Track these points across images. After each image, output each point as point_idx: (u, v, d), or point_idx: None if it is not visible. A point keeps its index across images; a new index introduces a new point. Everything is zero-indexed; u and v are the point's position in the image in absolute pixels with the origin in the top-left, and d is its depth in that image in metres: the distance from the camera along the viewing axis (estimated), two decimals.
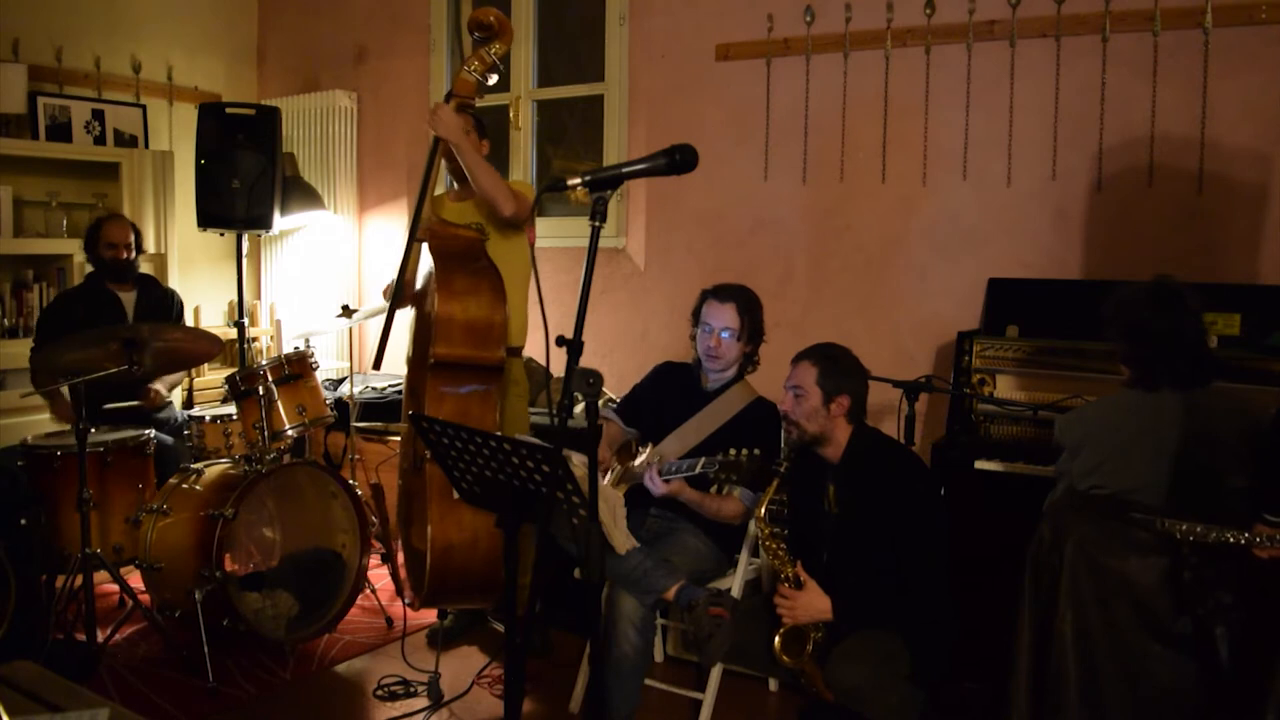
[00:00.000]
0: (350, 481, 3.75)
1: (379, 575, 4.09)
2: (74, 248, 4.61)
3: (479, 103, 3.38)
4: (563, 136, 4.98)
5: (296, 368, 3.76)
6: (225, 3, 5.68)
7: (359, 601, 3.71)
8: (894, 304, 3.92)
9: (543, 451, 1.88)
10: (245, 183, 4.57)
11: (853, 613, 2.56)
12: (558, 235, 4.76)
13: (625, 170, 1.91)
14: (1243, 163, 3.30)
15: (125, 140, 5.10)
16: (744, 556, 3.03)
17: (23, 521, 3.25)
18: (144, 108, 5.21)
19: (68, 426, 3.85)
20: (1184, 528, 2.10)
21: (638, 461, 3.02)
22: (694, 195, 4.33)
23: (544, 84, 4.92)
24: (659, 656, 3.45)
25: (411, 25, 5.23)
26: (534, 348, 3.75)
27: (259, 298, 5.59)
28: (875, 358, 2.97)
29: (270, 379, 3.67)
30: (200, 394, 5.07)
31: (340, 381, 4.87)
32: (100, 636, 3.39)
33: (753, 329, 3.12)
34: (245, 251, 4.94)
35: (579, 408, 3.53)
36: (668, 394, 3.23)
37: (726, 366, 3.14)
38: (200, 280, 5.45)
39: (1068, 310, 3.22)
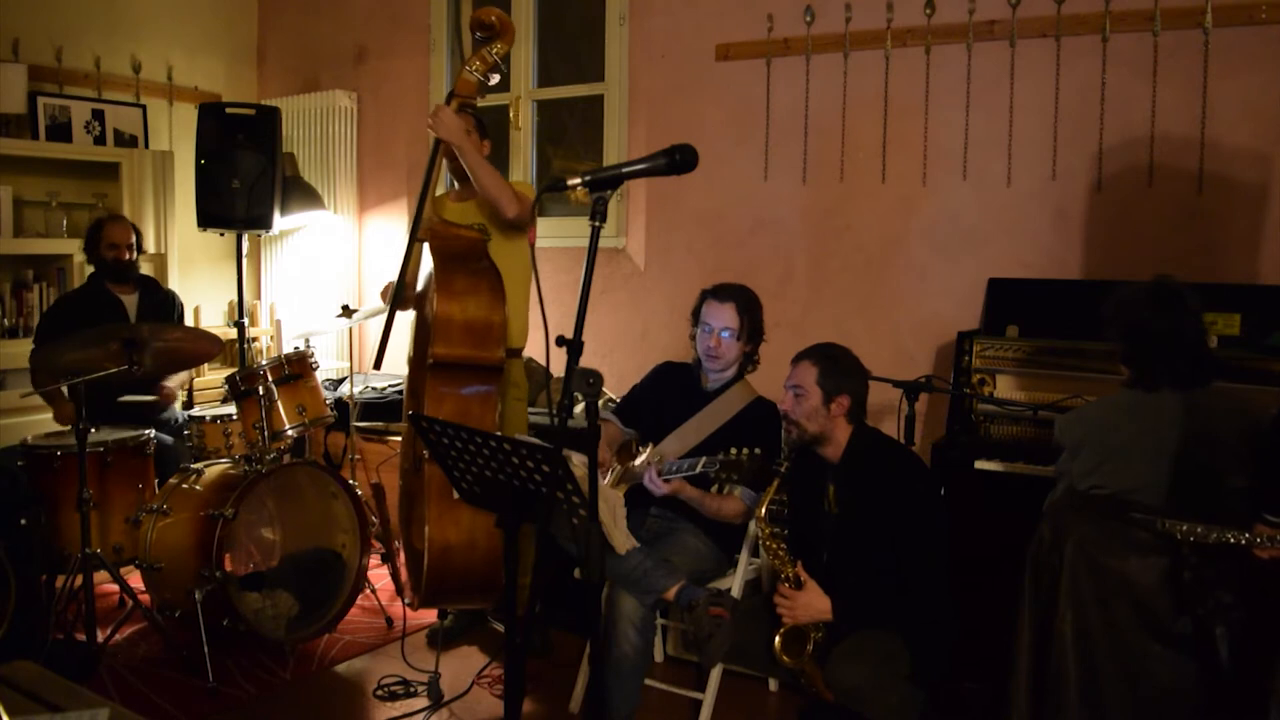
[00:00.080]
0: (350, 481, 3.75)
1: (379, 575, 4.09)
2: (74, 248, 4.61)
3: (480, 102, 3.38)
4: (563, 136, 4.98)
5: (296, 368, 3.76)
6: (225, 3, 5.68)
7: (359, 601, 3.71)
8: (894, 304, 3.92)
9: (543, 451, 1.88)
10: (245, 183, 4.57)
11: (853, 613, 2.56)
12: (558, 235, 4.76)
13: (625, 170, 1.91)
14: (1243, 163, 3.30)
15: (125, 140, 5.11)
16: (744, 556, 3.03)
17: (23, 521, 3.25)
18: (144, 108, 5.21)
19: (69, 428, 3.86)
20: (1184, 528, 2.10)
21: (638, 461, 3.01)
22: (694, 195, 4.33)
23: (544, 84, 4.92)
24: (659, 656, 3.45)
25: (411, 25, 5.23)
26: (534, 348, 3.75)
27: (259, 298, 5.59)
28: (875, 358, 2.97)
29: (270, 379, 3.67)
30: (200, 394, 5.06)
31: (340, 381, 4.87)
32: (100, 636, 3.39)
33: (752, 329, 3.12)
34: (245, 251, 4.94)
35: (579, 408, 3.53)
36: (668, 394, 3.23)
37: (726, 366, 3.14)
38: (200, 280, 5.45)
39: (1068, 310, 3.22)
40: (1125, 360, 2.48)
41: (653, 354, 4.14)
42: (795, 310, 4.09)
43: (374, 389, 4.69)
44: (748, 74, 4.17)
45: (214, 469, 3.59)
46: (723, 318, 3.08)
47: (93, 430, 3.41)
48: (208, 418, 4.01)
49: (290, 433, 3.72)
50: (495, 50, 3.25)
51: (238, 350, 4.88)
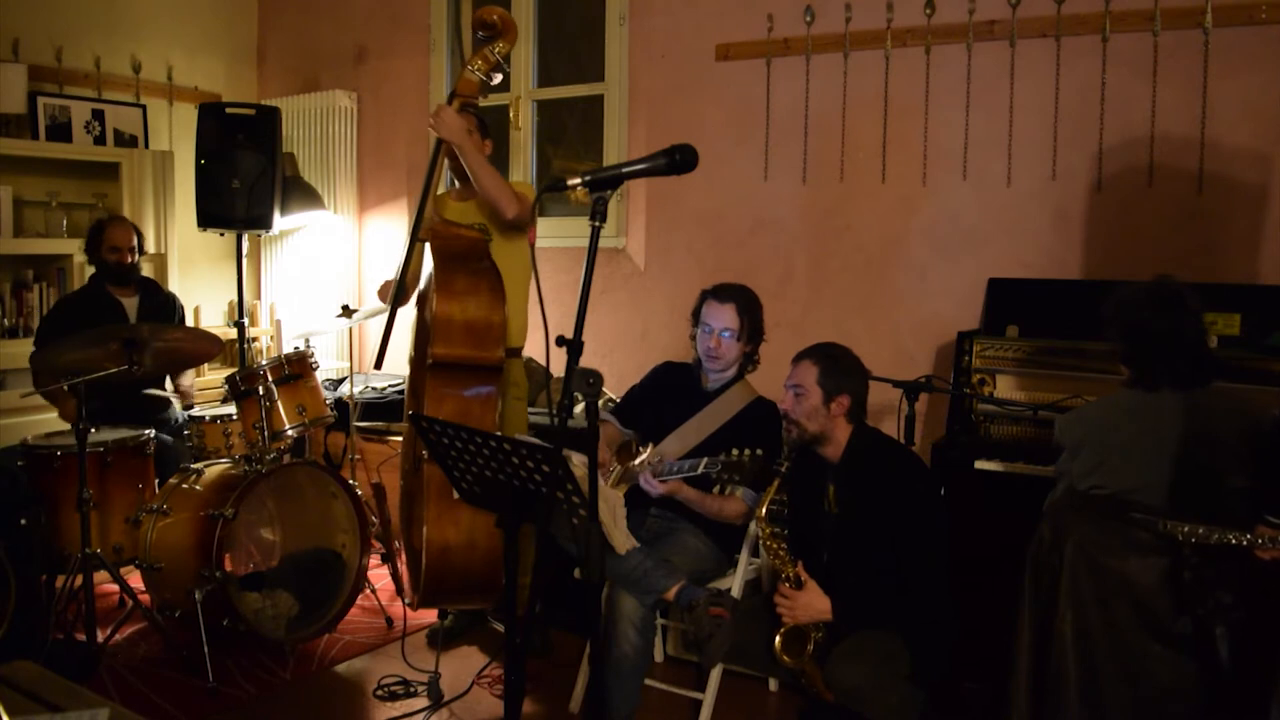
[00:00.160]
0: (350, 481, 3.75)
1: (379, 575, 4.09)
2: (74, 248, 4.61)
3: (480, 102, 3.38)
4: (563, 136, 4.98)
5: (296, 368, 3.76)
6: (225, 3, 5.68)
7: (359, 601, 3.71)
8: (894, 304, 3.92)
9: (543, 451, 1.88)
10: (245, 183, 4.57)
11: (853, 613, 2.56)
12: (558, 235, 4.76)
13: (625, 170, 1.91)
14: (1243, 163, 3.30)
15: (125, 140, 5.11)
16: (744, 556, 3.03)
17: (23, 521, 3.25)
18: (144, 108, 5.21)
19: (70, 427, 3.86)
20: (1186, 530, 2.10)
21: (638, 461, 3.02)
22: (694, 195, 4.33)
23: (544, 84, 4.92)
24: (659, 656, 3.45)
25: (411, 25, 5.23)
26: (534, 348, 3.75)
27: (259, 298, 5.59)
28: (875, 358, 2.97)
29: (270, 379, 3.67)
30: (200, 394, 5.06)
31: (340, 381, 4.87)
32: (100, 636, 3.39)
33: (753, 329, 3.12)
34: (245, 251, 4.94)
35: (579, 408, 3.53)
36: (668, 394, 3.23)
37: (726, 366, 3.14)
38: (200, 280, 5.45)
39: (1068, 310, 3.22)
40: (1125, 360, 2.48)
41: (653, 354, 4.15)
42: (795, 310, 4.09)
43: (374, 389, 4.70)
44: (748, 74, 4.17)
45: (214, 469, 3.59)
46: (723, 318, 3.08)
47: (93, 430, 3.41)
48: (208, 418, 4.01)
49: (290, 433, 3.72)
50: (497, 50, 3.25)
51: (238, 350, 4.88)
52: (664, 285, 4.46)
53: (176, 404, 4.39)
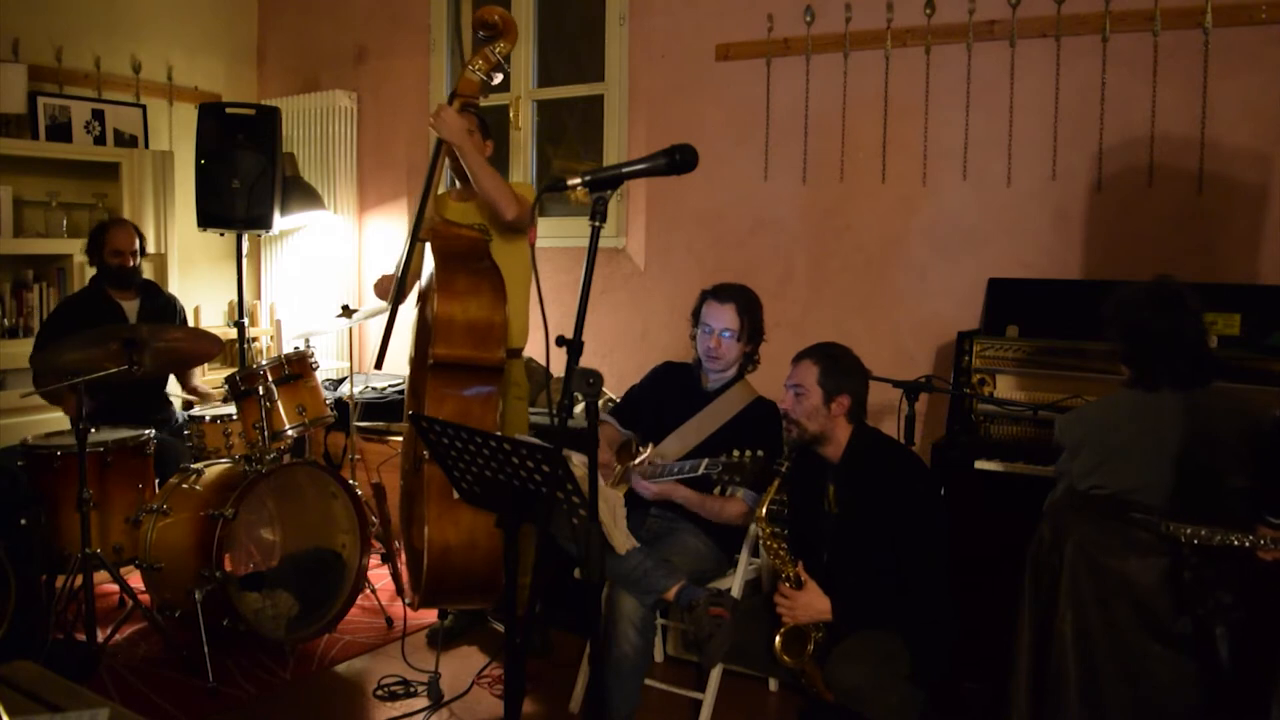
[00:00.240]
0: (350, 481, 3.75)
1: (379, 575, 4.09)
2: (74, 248, 4.61)
3: (481, 102, 3.38)
4: (563, 136, 4.98)
5: (296, 368, 3.76)
6: (225, 3, 5.68)
7: (359, 601, 3.71)
8: (894, 304, 3.92)
9: (543, 451, 1.88)
10: (245, 183, 4.57)
11: (853, 613, 2.56)
12: (558, 235, 4.76)
13: (625, 170, 1.91)
14: (1243, 163, 3.30)
15: (125, 140, 5.10)
16: (744, 556, 3.03)
17: (23, 521, 3.25)
18: (144, 108, 5.21)
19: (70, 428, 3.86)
20: (1189, 531, 2.10)
21: (636, 462, 3.02)
22: (694, 195, 4.33)
23: (544, 84, 4.92)
24: (659, 656, 3.45)
25: (411, 25, 5.23)
26: (534, 348, 3.75)
27: (259, 298, 5.59)
28: (875, 358, 2.97)
29: (270, 379, 3.67)
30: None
31: (340, 381, 4.87)
32: (100, 636, 3.39)
33: (753, 329, 3.12)
34: (245, 251, 4.94)
35: (579, 408, 3.53)
36: (668, 394, 3.23)
37: (727, 367, 3.14)
38: (200, 280, 5.45)
39: (1068, 310, 3.22)
40: (1125, 360, 2.48)
41: (653, 354, 4.15)
42: (795, 310, 4.09)
43: (374, 389, 4.69)
44: (748, 74, 4.17)
45: (214, 469, 3.59)
46: (723, 318, 3.08)
47: (93, 430, 3.41)
48: (208, 418, 4.00)
49: (290, 433, 3.71)
50: (498, 49, 3.25)
51: (238, 350, 4.88)
52: (664, 285, 4.46)
53: (177, 406, 4.40)
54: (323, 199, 5.19)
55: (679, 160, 1.91)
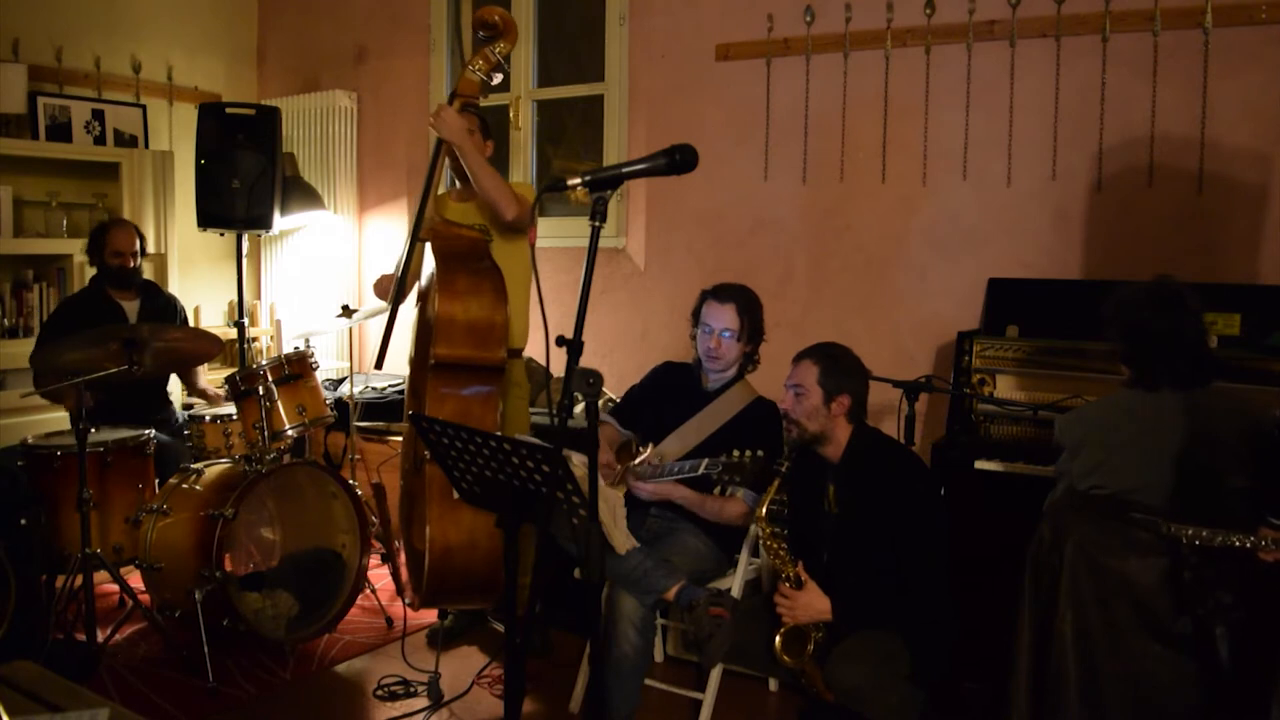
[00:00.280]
0: (350, 481, 3.75)
1: (379, 575, 4.09)
2: (74, 248, 4.61)
3: (481, 102, 3.38)
4: (563, 136, 4.98)
5: (296, 368, 3.76)
6: (225, 3, 5.68)
7: (359, 601, 3.71)
8: (894, 304, 3.92)
9: (543, 451, 1.88)
10: (245, 183, 4.57)
11: (852, 613, 2.56)
12: (558, 235, 4.76)
13: (625, 170, 1.91)
14: (1243, 163, 3.30)
15: (125, 140, 5.11)
16: (744, 556, 3.03)
17: (23, 521, 3.25)
18: (144, 108, 5.21)
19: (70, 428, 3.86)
20: (1190, 532, 2.10)
21: (635, 462, 3.02)
22: (694, 195, 4.33)
23: (544, 84, 4.92)
24: (659, 656, 3.45)
25: (411, 25, 5.23)
26: (534, 348, 3.75)
27: (259, 298, 5.59)
28: (875, 358, 2.97)
29: (270, 379, 3.67)
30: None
31: (340, 381, 4.87)
32: (100, 636, 3.39)
33: (753, 329, 3.12)
34: (245, 251, 4.94)
35: (579, 408, 3.53)
36: (668, 394, 3.23)
37: (727, 367, 3.13)
38: (200, 280, 5.45)
39: (1068, 310, 3.22)
40: (1125, 360, 2.48)
41: (653, 354, 4.15)
42: (795, 310, 4.09)
43: (374, 389, 4.69)
44: (748, 74, 4.17)
45: (214, 469, 3.59)
46: (723, 318, 3.08)
47: (93, 430, 3.41)
48: (208, 418, 4.01)
49: (290, 433, 3.71)
50: (498, 49, 3.25)
51: (238, 350, 4.88)
52: (664, 285, 4.46)
53: (178, 406, 4.40)
54: (323, 199, 5.20)
55: (679, 160, 1.91)
